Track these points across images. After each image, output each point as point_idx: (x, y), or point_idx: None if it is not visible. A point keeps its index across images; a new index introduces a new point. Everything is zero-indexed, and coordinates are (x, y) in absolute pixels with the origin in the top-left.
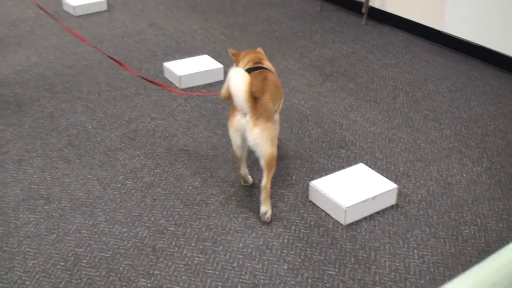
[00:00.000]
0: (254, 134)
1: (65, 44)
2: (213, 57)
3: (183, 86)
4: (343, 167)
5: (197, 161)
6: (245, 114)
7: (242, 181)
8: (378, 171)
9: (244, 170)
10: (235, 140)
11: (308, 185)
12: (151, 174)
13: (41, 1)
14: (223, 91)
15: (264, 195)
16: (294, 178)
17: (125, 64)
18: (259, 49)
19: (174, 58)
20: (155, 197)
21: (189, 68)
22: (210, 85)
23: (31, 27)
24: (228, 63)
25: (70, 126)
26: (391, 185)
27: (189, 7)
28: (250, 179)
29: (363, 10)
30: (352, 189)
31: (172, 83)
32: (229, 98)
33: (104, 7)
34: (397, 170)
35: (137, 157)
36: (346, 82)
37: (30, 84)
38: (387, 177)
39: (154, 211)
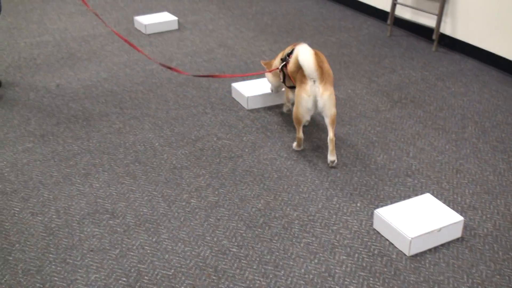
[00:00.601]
0: (325, 97)
1: (135, 61)
2: None
3: (250, 107)
4: (409, 196)
5: (261, 183)
6: (314, 81)
7: (296, 144)
8: (444, 202)
9: (302, 134)
10: (308, 104)
11: (373, 213)
12: (215, 193)
13: (113, 19)
14: (290, 66)
15: (331, 147)
16: (358, 205)
17: (193, 83)
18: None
19: (242, 79)
20: (218, 217)
21: (256, 89)
22: (277, 106)
23: (102, 43)
24: None
25: (137, 142)
26: (457, 217)
27: (259, 28)
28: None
29: (434, 37)
30: (418, 220)
31: (239, 103)
32: (295, 71)
33: (175, 26)
34: (464, 202)
35: (202, 176)
36: (414, 109)
37: (99, 99)
38: (453, 208)
39: (217, 231)
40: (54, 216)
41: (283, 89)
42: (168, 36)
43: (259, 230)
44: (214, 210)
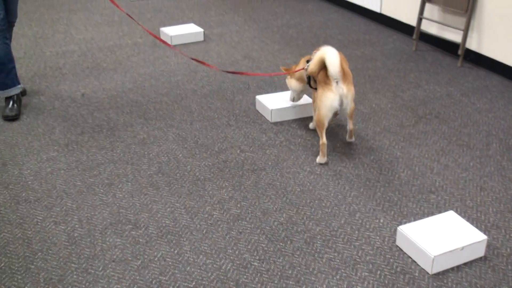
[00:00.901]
0: (349, 98)
1: (161, 72)
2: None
3: (274, 120)
4: (432, 213)
5: (284, 197)
6: (337, 82)
7: (320, 154)
8: (467, 220)
9: (325, 139)
10: (334, 104)
11: (395, 230)
12: (238, 206)
13: (139, 30)
14: (311, 66)
15: (350, 134)
16: (381, 221)
17: (217, 95)
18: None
19: (267, 92)
20: (240, 230)
21: (280, 103)
22: (300, 120)
23: (128, 54)
24: None
25: (161, 153)
26: (480, 236)
27: (284, 41)
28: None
29: (459, 52)
30: (441, 237)
31: (263, 116)
32: (316, 72)
33: (200, 37)
34: (487, 221)
35: (225, 189)
36: (439, 125)
37: (124, 110)
38: (476, 226)
39: (239, 245)
40: (76, 226)
41: (301, 100)
42: (194, 48)
43: (281, 244)
44: (236, 223)
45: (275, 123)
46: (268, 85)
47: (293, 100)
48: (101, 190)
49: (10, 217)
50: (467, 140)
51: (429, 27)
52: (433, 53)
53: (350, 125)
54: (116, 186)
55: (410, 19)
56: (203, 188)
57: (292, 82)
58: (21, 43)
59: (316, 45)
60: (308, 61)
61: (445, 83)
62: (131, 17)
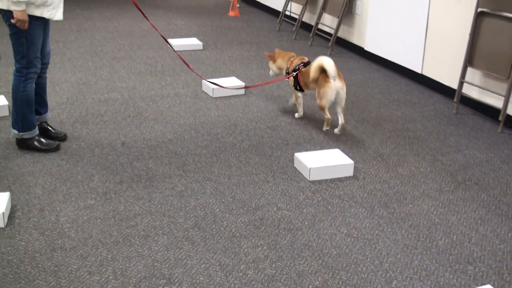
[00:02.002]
0: (344, 90)
1: (201, 124)
2: (344, 152)
3: (312, 178)
4: (469, 286)
5: (319, 259)
6: (334, 79)
7: (326, 124)
8: None
9: (329, 115)
10: (332, 96)
11: None
12: (273, 266)
13: (181, 81)
14: (312, 73)
15: (341, 127)
16: None
17: (256, 150)
18: (291, 52)
19: (306, 149)
20: None
21: (319, 161)
22: (339, 179)
23: (169, 104)
24: (358, 160)
25: (198, 207)
26: None
27: None
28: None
29: (500, 118)
30: None
31: (301, 174)
32: (317, 77)
33: (241, 91)
34: None
35: (260, 247)
36: (478, 192)
37: (163, 160)
38: None
39: None
40: (111, 277)
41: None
42: (234, 101)
43: None
44: (270, 284)
45: (313, 182)
46: (307, 142)
47: (272, 75)
48: (137, 242)
49: (45, 264)
50: (506, 210)
51: (470, 91)
52: (473, 117)
53: (342, 120)
54: (152, 238)
55: (452, 81)
56: (239, 245)
57: (273, 67)
58: (63, 89)
59: (356, 104)
60: (294, 69)
61: (485, 149)
62: (153, 26)
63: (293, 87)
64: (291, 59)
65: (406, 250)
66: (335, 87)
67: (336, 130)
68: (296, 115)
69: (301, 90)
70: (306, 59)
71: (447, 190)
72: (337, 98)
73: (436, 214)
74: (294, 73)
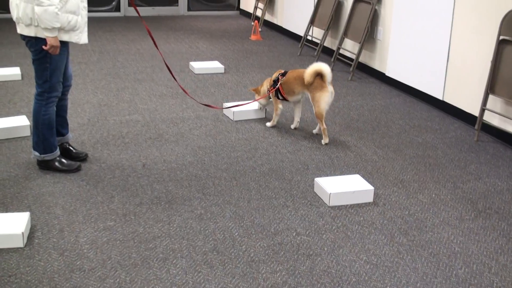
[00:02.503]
0: (333, 96)
1: (221, 147)
2: (364, 177)
3: (332, 203)
4: None
5: (338, 286)
6: (329, 83)
7: (324, 135)
8: None
9: (325, 124)
10: (328, 99)
11: None
12: None
13: (202, 105)
14: (307, 77)
15: (325, 133)
16: None
17: (276, 174)
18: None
19: (325, 174)
20: None
21: (339, 187)
22: (359, 205)
23: (190, 127)
24: (378, 185)
25: (217, 230)
26: None
27: (345, 122)
28: None
29: None
30: None
31: (321, 199)
32: (311, 81)
33: (263, 114)
34: None
35: (278, 273)
36: (498, 221)
37: (183, 183)
38: None
39: None
40: None
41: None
42: (255, 124)
43: None
44: None
45: (333, 207)
46: (327, 167)
47: (261, 108)
48: (156, 265)
49: (63, 285)
50: None
51: (491, 118)
52: (494, 144)
53: (322, 126)
54: (170, 262)
55: (473, 108)
56: (257, 271)
57: (261, 101)
58: (85, 110)
59: (376, 129)
60: (274, 81)
61: (506, 177)
62: (160, 52)
63: (275, 97)
64: (268, 79)
65: (426, 279)
66: (331, 90)
67: (315, 131)
68: (269, 124)
69: (284, 99)
70: (282, 71)
71: (467, 218)
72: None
73: (456, 242)
74: (276, 86)
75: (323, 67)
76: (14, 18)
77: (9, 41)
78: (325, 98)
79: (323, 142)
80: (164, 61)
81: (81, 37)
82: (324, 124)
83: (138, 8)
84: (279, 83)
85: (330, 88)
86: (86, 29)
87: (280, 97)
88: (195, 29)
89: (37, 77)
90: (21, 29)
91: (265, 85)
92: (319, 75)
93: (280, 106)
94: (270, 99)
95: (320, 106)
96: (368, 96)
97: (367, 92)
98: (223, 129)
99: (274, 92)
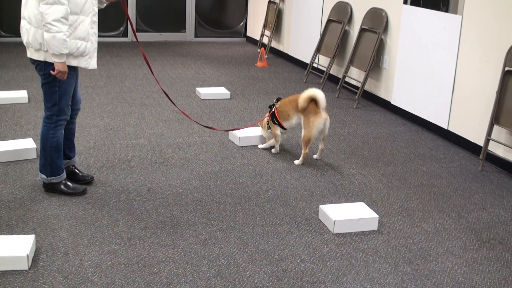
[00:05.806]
0: (328, 121)
1: (227, 172)
2: (368, 205)
3: (336, 231)
4: None
5: None
6: (323, 110)
7: (301, 159)
8: None
9: (308, 150)
10: (321, 126)
11: None
12: None
13: (208, 130)
14: (301, 102)
15: (320, 152)
16: None
17: (281, 200)
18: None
19: (330, 201)
20: None
21: (344, 214)
22: (363, 233)
23: (195, 152)
24: (383, 214)
25: (221, 256)
26: None
27: (350, 149)
28: None
29: None
30: None
31: (326, 226)
32: (305, 107)
33: (270, 141)
34: None
35: None
36: (502, 252)
37: (188, 208)
38: None
39: None
40: None
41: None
42: (260, 150)
43: None
44: None
45: (338, 235)
46: (332, 194)
47: (266, 141)
48: None
49: None
50: None
51: (496, 148)
52: (499, 174)
53: (322, 146)
54: (174, 286)
55: (477, 138)
56: None
57: (263, 132)
58: (91, 133)
59: (381, 157)
60: (270, 107)
61: (510, 208)
62: (156, 80)
63: (273, 124)
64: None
65: None
66: (323, 118)
67: (315, 156)
68: (273, 150)
69: (280, 126)
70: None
71: (471, 248)
72: (323, 128)
73: (460, 272)
74: (272, 110)
75: (317, 93)
76: (24, 42)
77: (16, 64)
78: (317, 124)
79: (296, 162)
80: (159, 84)
81: (90, 62)
82: (307, 150)
83: (146, 33)
84: (274, 107)
85: (324, 115)
86: (95, 54)
87: (276, 121)
88: (201, 55)
89: (46, 100)
90: (31, 53)
91: (266, 118)
92: (313, 101)
93: (278, 132)
94: (269, 129)
95: (311, 131)
96: (373, 124)
97: (372, 120)
98: (228, 155)
99: (271, 117)
